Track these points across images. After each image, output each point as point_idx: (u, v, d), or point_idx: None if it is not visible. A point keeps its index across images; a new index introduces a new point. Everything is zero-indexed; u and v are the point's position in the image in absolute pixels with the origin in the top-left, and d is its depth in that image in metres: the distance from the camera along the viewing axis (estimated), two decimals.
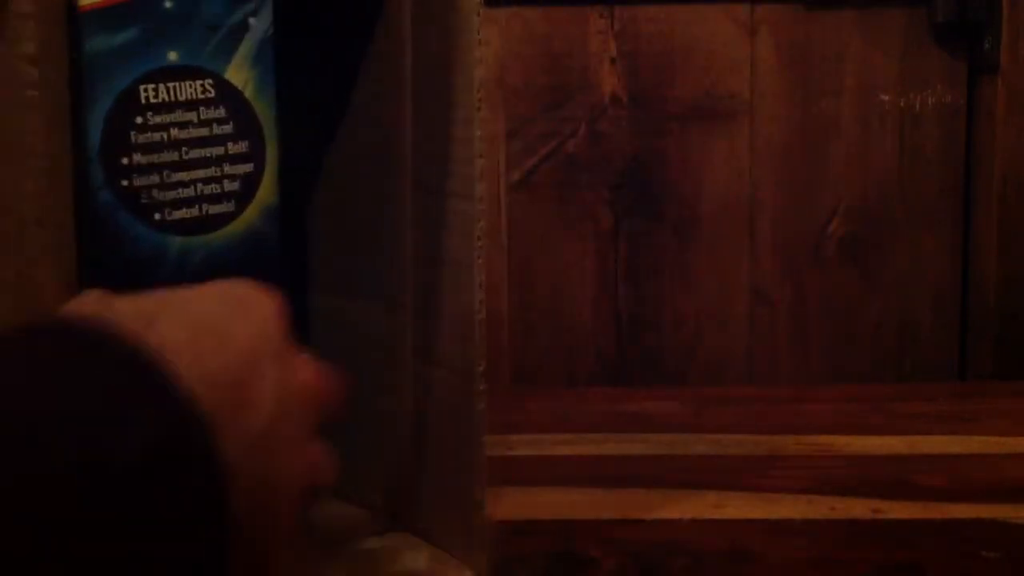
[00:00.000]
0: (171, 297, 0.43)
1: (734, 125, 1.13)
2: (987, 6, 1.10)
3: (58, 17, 0.51)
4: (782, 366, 1.16)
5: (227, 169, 0.57)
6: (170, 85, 0.55)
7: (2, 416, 0.34)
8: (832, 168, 1.14)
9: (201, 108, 0.56)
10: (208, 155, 0.56)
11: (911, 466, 0.82)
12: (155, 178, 0.55)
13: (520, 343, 1.15)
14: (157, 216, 0.55)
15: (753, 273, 1.15)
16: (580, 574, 0.66)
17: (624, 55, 1.12)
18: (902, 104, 1.13)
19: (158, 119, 0.55)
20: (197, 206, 0.56)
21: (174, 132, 0.55)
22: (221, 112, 0.56)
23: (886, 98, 1.13)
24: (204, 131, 0.56)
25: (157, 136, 0.55)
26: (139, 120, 0.54)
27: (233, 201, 0.57)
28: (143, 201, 0.54)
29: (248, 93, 0.57)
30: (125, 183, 0.54)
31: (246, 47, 0.57)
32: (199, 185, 0.56)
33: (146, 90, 0.54)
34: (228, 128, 0.57)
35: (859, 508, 0.74)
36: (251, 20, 0.57)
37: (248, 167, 0.57)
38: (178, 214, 0.55)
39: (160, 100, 0.55)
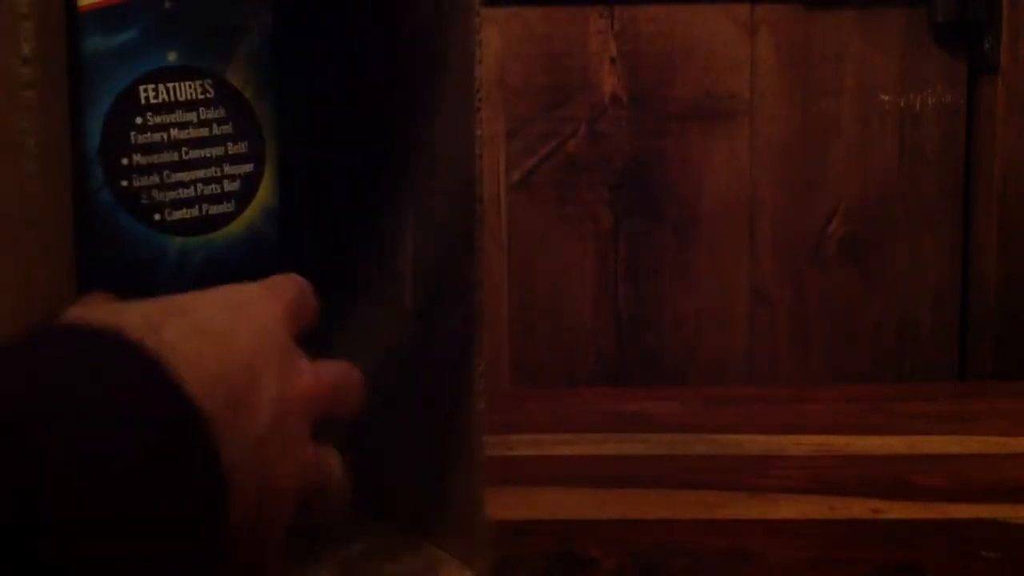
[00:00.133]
0: (176, 304, 0.43)
1: (734, 125, 1.13)
2: (987, 6, 1.10)
3: (56, 17, 0.51)
4: (782, 366, 1.16)
5: (227, 169, 0.57)
6: (170, 85, 0.55)
7: (6, 417, 0.35)
8: (832, 168, 1.14)
9: (201, 108, 0.56)
10: (208, 155, 0.56)
11: (911, 466, 0.82)
12: (155, 178, 0.55)
13: (520, 343, 1.15)
14: (157, 216, 0.55)
15: (753, 273, 1.15)
16: (580, 574, 0.66)
17: (624, 55, 1.12)
18: (902, 104, 1.13)
19: (158, 119, 0.54)
20: (197, 206, 0.56)
21: (174, 132, 0.55)
22: (221, 112, 0.56)
23: (886, 98, 1.13)
24: (204, 131, 0.56)
25: (157, 136, 0.54)
26: (139, 120, 0.54)
27: (233, 201, 0.57)
28: (143, 201, 0.54)
29: (248, 93, 0.57)
30: (125, 183, 0.54)
31: (246, 47, 0.57)
32: (199, 185, 0.56)
33: (146, 90, 0.54)
34: (228, 128, 0.57)
35: (859, 508, 0.74)
36: (250, 20, 0.57)
37: (248, 167, 0.57)
38: (178, 214, 0.55)
39: (160, 100, 0.54)
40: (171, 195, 0.55)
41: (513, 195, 1.13)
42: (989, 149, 1.13)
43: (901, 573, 0.66)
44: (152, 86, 0.54)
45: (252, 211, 0.58)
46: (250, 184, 0.58)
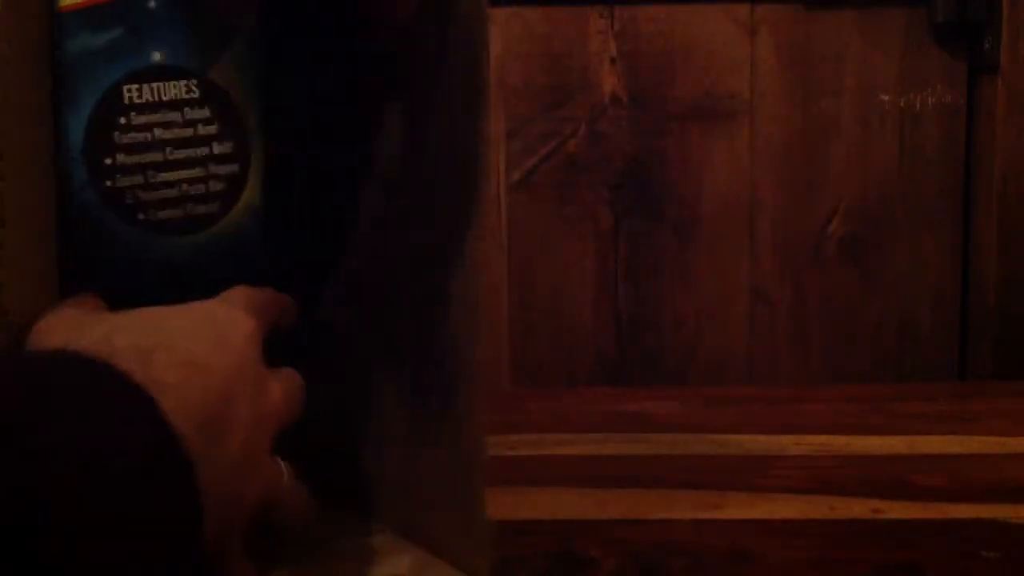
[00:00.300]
0: (162, 330, 0.46)
1: (734, 125, 1.13)
2: (987, 6, 1.10)
3: (37, 17, 0.51)
4: (782, 366, 1.16)
5: (212, 169, 0.56)
6: (154, 85, 0.54)
7: (6, 418, 0.35)
8: (832, 168, 1.14)
9: (186, 108, 0.55)
10: (193, 155, 0.56)
11: (911, 466, 0.82)
12: (139, 178, 0.54)
13: (520, 343, 1.14)
14: (141, 216, 0.55)
15: (753, 273, 1.15)
16: (580, 574, 0.66)
17: (624, 55, 1.12)
18: (902, 104, 1.13)
19: (142, 119, 0.54)
20: (182, 206, 0.56)
21: (158, 132, 0.55)
22: (206, 112, 0.56)
23: (886, 98, 1.13)
24: (189, 131, 0.55)
25: (141, 136, 0.54)
26: (123, 120, 0.54)
27: (218, 202, 0.57)
28: (127, 201, 0.54)
29: (234, 93, 0.57)
30: (109, 183, 0.54)
31: (231, 47, 0.57)
32: (183, 185, 0.56)
33: (130, 90, 0.54)
34: (213, 128, 0.56)
35: (859, 508, 0.74)
36: (236, 20, 0.57)
37: (233, 167, 0.57)
38: (162, 214, 0.55)
39: (144, 100, 0.54)
40: (155, 195, 0.55)
41: (513, 195, 1.13)
42: (989, 149, 1.13)
43: (901, 573, 0.66)
44: (136, 86, 0.54)
45: (237, 211, 0.57)
46: (235, 184, 0.57)
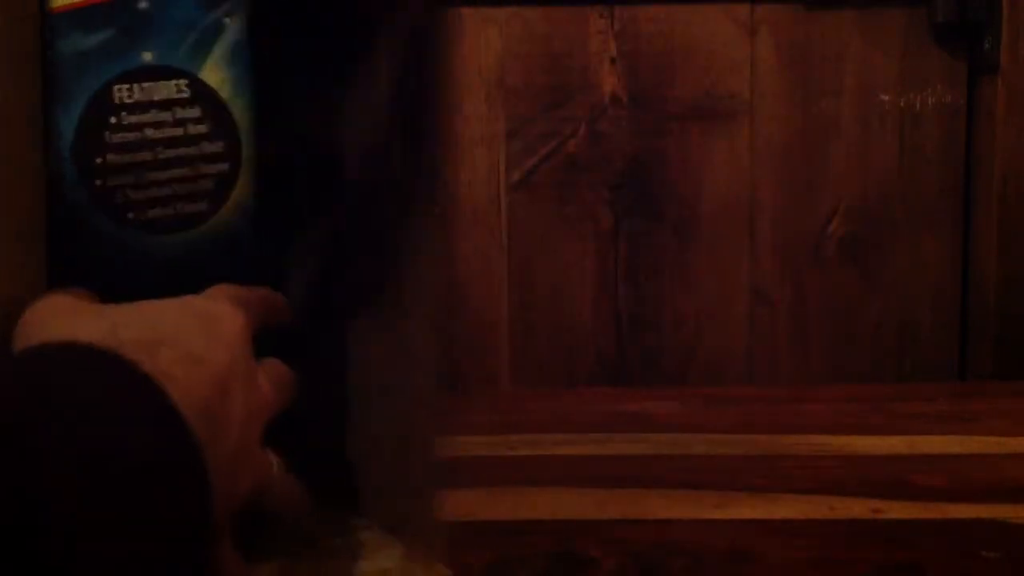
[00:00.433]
0: (161, 324, 0.47)
1: (734, 125, 1.13)
2: (987, 6, 1.10)
3: (28, 17, 0.51)
4: (782, 366, 1.16)
5: (202, 168, 0.57)
6: (144, 85, 0.55)
7: (7, 418, 0.35)
8: (832, 168, 1.14)
9: (176, 108, 0.56)
10: (183, 155, 0.56)
11: (911, 466, 0.82)
12: (129, 178, 0.55)
13: (520, 343, 1.15)
14: (131, 215, 0.55)
15: (753, 273, 1.15)
16: (580, 574, 0.66)
17: (624, 55, 1.12)
18: (902, 104, 1.13)
19: (132, 119, 0.55)
20: (172, 205, 0.56)
21: (148, 132, 0.55)
22: (196, 112, 0.56)
23: (886, 98, 1.13)
24: (179, 131, 0.56)
25: (131, 136, 0.55)
26: (113, 120, 0.54)
27: (208, 200, 0.57)
28: (117, 200, 0.55)
29: (224, 93, 0.57)
30: (99, 182, 0.54)
31: (221, 48, 0.57)
32: (174, 184, 0.56)
33: (120, 90, 0.54)
34: (203, 128, 0.57)
35: (859, 508, 0.74)
36: (226, 20, 0.57)
37: (223, 167, 0.58)
38: (152, 213, 0.56)
39: (134, 100, 0.55)
40: (145, 194, 0.55)
41: (513, 195, 1.13)
42: (989, 149, 1.13)
43: (901, 573, 0.66)
44: (127, 86, 0.54)
45: (227, 210, 0.58)
46: (225, 183, 0.58)
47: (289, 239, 0.67)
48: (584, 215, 1.14)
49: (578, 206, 1.14)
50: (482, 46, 1.10)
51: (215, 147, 0.57)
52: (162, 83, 0.55)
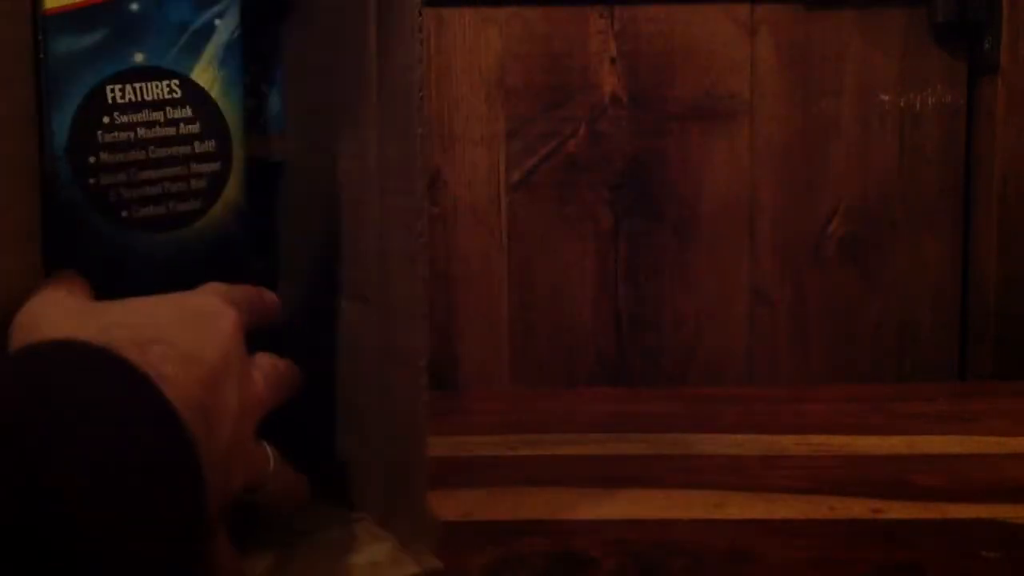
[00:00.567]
0: (155, 322, 0.47)
1: (734, 125, 1.13)
2: (987, 6, 1.10)
3: (20, 19, 0.52)
4: (782, 366, 1.16)
5: (194, 168, 0.58)
6: (137, 86, 0.56)
7: (7, 417, 0.35)
8: (832, 168, 1.14)
9: (168, 108, 0.57)
10: (175, 154, 0.57)
11: (911, 466, 0.82)
12: (122, 177, 0.56)
13: (520, 343, 1.15)
14: (124, 214, 0.56)
15: (753, 273, 1.15)
16: (580, 574, 0.66)
17: (624, 55, 1.12)
18: (902, 104, 1.13)
19: (125, 119, 0.55)
20: (164, 204, 0.57)
21: (141, 131, 0.56)
22: (187, 112, 0.57)
23: (886, 98, 1.13)
24: (171, 130, 0.57)
25: (124, 135, 0.55)
26: (106, 120, 0.55)
27: (200, 199, 0.58)
28: (110, 199, 0.55)
29: (215, 93, 0.58)
30: (92, 181, 0.55)
31: (212, 48, 0.58)
32: (166, 183, 0.57)
33: (113, 90, 0.55)
34: (195, 127, 0.58)
35: (859, 508, 0.74)
36: (217, 22, 0.58)
37: (215, 166, 0.58)
38: (145, 212, 0.56)
39: (127, 100, 0.56)
40: (138, 193, 0.56)
41: (513, 195, 1.13)
42: (989, 149, 1.13)
43: (901, 573, 0.66)
44: (119, 86, 0.55)
45: (219, 209, 0.59)
46: (217, 182, 0.59)
47: (278, 237, 0.67)
48: (584, 215, 1.14)
49: (578, 206, 1.14)
50: (482, 46, 1.10)
51: (207, 146, 0.58)
52: (154, 83, 0.56)
